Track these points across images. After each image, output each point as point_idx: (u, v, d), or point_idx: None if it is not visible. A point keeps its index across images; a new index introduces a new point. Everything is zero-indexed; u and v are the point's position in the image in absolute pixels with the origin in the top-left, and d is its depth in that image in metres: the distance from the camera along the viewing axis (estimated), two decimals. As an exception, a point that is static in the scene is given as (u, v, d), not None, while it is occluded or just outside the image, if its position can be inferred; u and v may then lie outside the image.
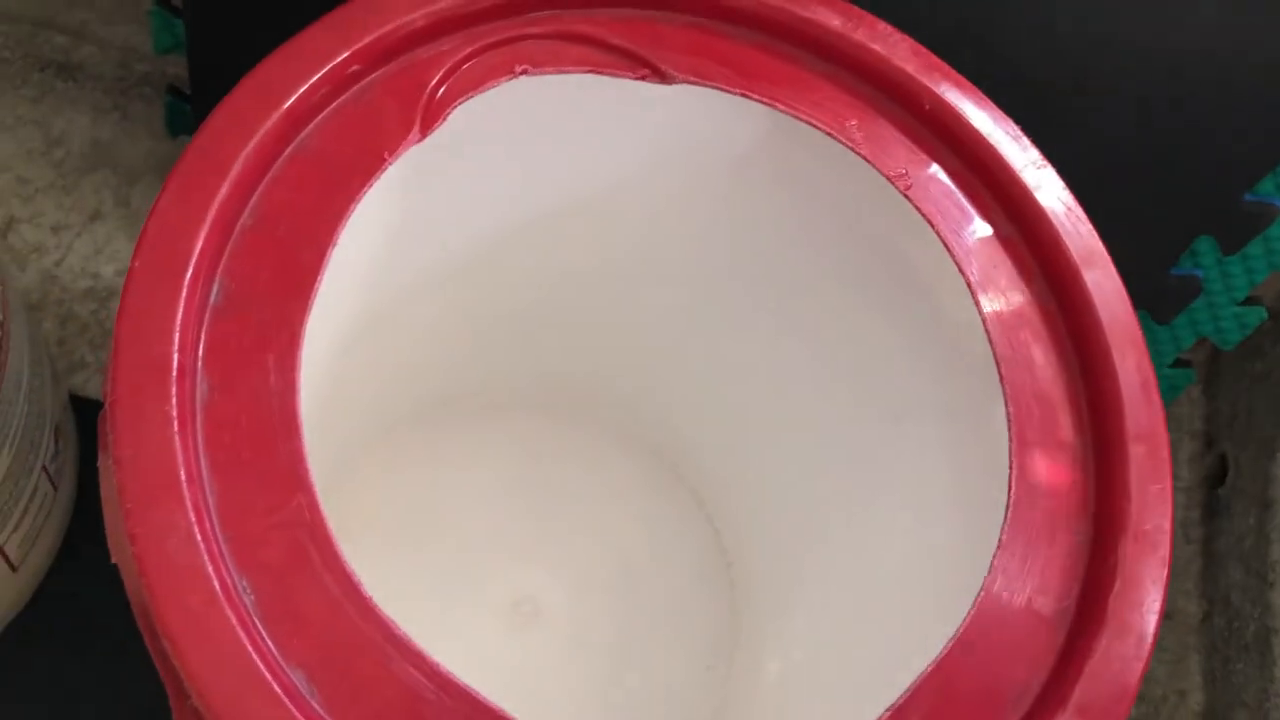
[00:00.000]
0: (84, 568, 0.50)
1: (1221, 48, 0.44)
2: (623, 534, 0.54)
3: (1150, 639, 0.29)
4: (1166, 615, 0.61)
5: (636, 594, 0.52)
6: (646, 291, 0.46)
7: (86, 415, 0.53)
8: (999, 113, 0.35)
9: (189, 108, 0.59)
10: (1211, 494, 0.63)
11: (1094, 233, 0.34)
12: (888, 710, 0.27)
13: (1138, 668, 0.28)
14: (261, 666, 0.24)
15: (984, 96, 0.35)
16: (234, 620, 0.24)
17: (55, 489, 0.48)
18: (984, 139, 0.35)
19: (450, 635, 0.50)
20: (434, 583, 0.50)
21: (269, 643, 0.24)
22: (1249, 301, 0.54)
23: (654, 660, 0.52)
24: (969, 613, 0.28)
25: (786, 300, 0.44)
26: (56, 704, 0.48)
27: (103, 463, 0.26)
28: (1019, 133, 0.35)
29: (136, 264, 0.27)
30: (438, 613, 0.49)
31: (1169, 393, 0.62)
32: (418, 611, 0.47)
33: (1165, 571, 0.29)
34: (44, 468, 0.46)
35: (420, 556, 0.50)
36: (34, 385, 0.44)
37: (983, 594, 0.29)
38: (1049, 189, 0.34)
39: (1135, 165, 0.49)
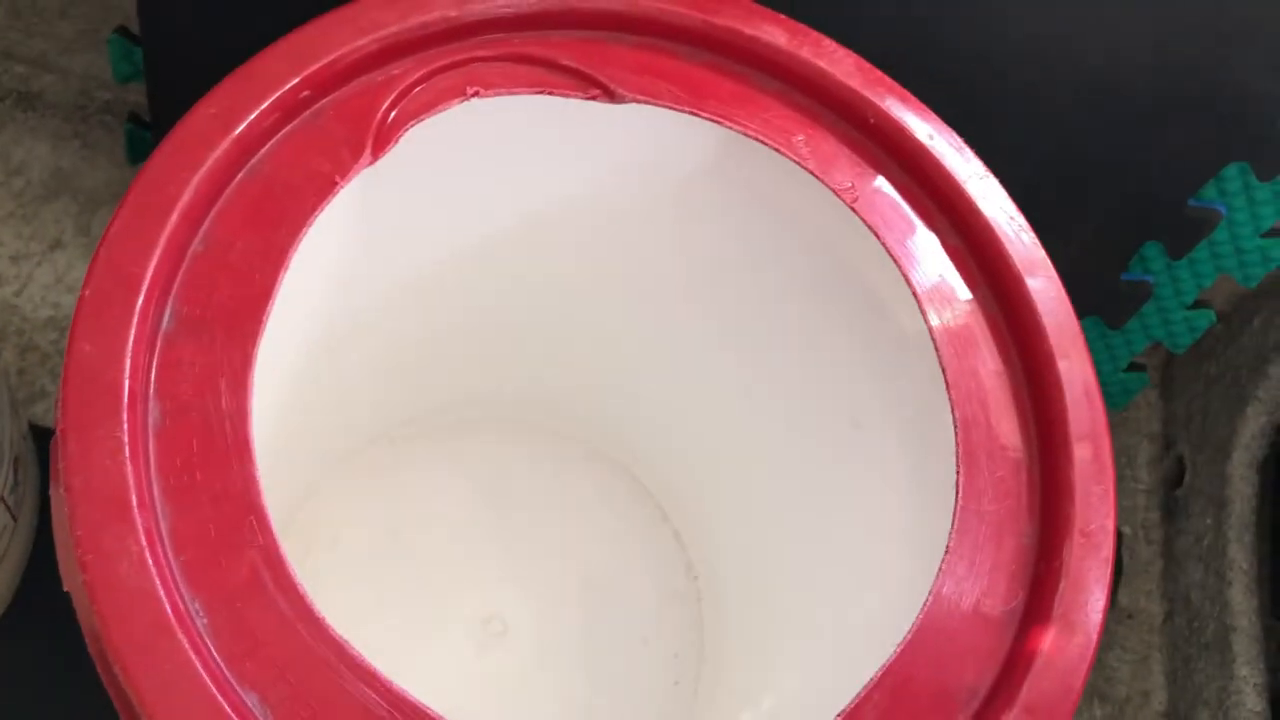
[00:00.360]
0: (45, 599, 0.49)
1: (1165, 59, 0.45)
2: (590, 550, 0.54)
3: (1095, 638, 0.29)
4: (1129, 616, 0.62)
5: (604, 610, 0.53)
6: (603, 308, 0.47)
7: (47, 446, 0.52)
8: (943, 125, 0.36)
9: (149, 135, 0.59)
10: (1170, 495, 0.64)
11: (1036, 241, 0.35)
12: (840, 713, 0.27)
13: (1083, 666, 0.29)
14: (214, 689, 0.24)
15: (928, 110, 0.36)
16: (186, 644, 0.24)
17: (15, 520, 0.48)
18: (928, 151, 0.35)
19: (419, 653, 0.50)
20: (402, 601, 0.50)
21: (222, 665, 0.25)
22: (1198, 305, 0.56)
23: (622, 676, 0.52)
24: (918, 616, 0.29)
25: (742, 313, 0.45)
26: (20, 735, 0.48)
27: (54, 491, 0.26)
28: (962, 144, 0.36)
29: (87, 291, 0.27)
30: (406, 632, 0.49)
31: (1124, 396, 0.63)
32: (386, 631, 0.47)
33: (1109, 570, 0.30)
34: (3, 499, 0.46)
35: (388, 575, 0.50)
36: (-7, 415, 0.43)
37: (931, 597, 0.29)
38: (992, 199, 0.35)
39: (1083, 172, 0.50)
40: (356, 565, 0.50)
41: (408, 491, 0.53)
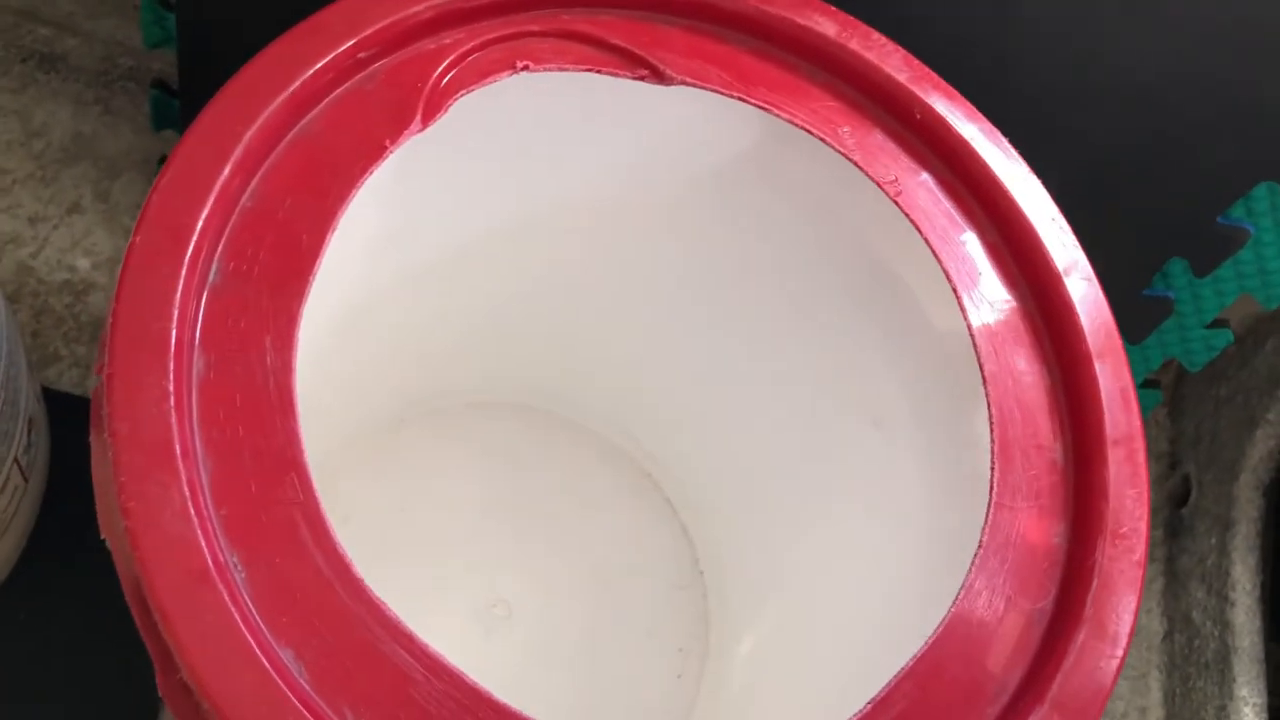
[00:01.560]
0: (51, 561, 0.49)
1: (1199, 75, 0.45)
2: (597, 539, 0.54)
3: (1126, 639, 0.29)
4: (1130, 633, 0.62)
5: (609, 599, 0.53)
6: (633, 292, 0.47)
7: (59, 409, 0.52)
8: (988, 124, 0.36)
9: (175, 102, 0.59)
10: (1175, 514, 0.64)
11: (1077, 243, 0.35)
12: (869, 703, 0.27)
13: (1113, 666, 0.29)
14: (251, 643, 0.24)
15: (973, 108, 0.36)
16: (225, 596, 0.24)
17: (26, 481, 0.47)
18: (973, 149, 0.35)
19: (422, 634, 0.50)
20: (409, 582, 0.49)
21: (258, 620, 0.24)
22: (1217, 324, 0.56)
23: (625, 666, 0.52)
24: (950, 609, 0.29)
25: (764, 305, 0.45)
26: (22, 695, 0.47)
27: (95, 439, 0.26)
28: (1007, 145, 0.36)
29: (137, 239, 0.27)
30: (411, 611, 0.48)
31: (1137, 413, 0.63)
32: (391, 606, 0.47)
33: (1141, 573, 0.30)
34: (16, 460, 0.45)
35: (396, 555, 0.50)
36: (10, 376, 0.43)
37: (964, 592, 0.29)
38: (1035, 200, 0.35)
39: (1112, 186, 0.50)
40: (365, 543, 0.50)
41: (419, 473, 0.53)
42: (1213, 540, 0.60)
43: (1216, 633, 0.58)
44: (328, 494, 0.50)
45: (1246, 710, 0.56)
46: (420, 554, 0.51)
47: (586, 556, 0.53)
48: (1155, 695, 0.61)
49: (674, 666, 0.52)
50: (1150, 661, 0.61)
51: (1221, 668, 0.57)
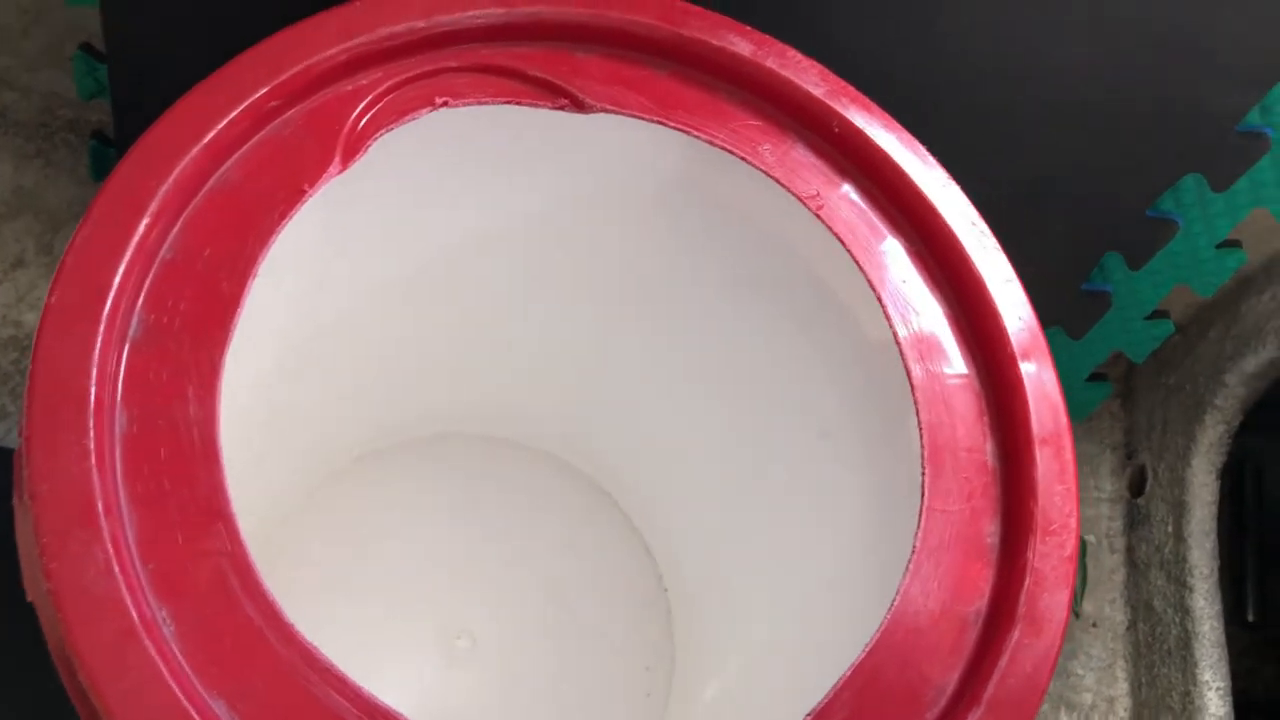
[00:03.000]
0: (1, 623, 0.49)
1: (1123, 72, 0.46)
2: (560, 564, 0.54)
3: (1059, 635, 0.30)
4: (1093, 624, 0.62)
5: (574, 623, 0.53)
6: (568, 319, 0.47)
7: (7, 466, 0.52)
8: (905, 134, 0.37)
9: (114, 152, 0.58)
10: (1132, 504, 0.65)
11: (998, 247, 0.35)
12: (810, 713, 0.28)
13: (1048, 663, 0.29)
14: (181, 696, 0.24)
15: (891, 119, 0.37)
16: (153, 650, 0.24)
17: (-23, 538, 0.47)
18: (892, 160, 0.36)
19: (386, 669, 0.50)
20: (370, 616, 0.49)
21: (189, 672, 0.24)
22: (1156, 315, 0.57)
23: (593, 689, 0.52)
24: (886, 616, 0.29)
25: (707, 326, 0.45)
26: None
27: (18, 502, 0.26)
28: (925, 153, 0.37)
29: (53, 299, 0.27)
30: (373, 646, 0.49)
31: (1086, 406, 0.63)
32: (353, 646, 0.47)
33: (1072, 569, 0.30)
34: (-36, 516, 0.45)
35: (356, 590, 0.50)
36: (-47, 432, 0.43)
37: (899, 596, 0.30)
38: (955, 206, 0.36)
39: (1044, 184, 0.50)
40: (324, 580, 0.50)
41: (376, 506, 0.53)
42: (1169, 527, 0.61)
43: (1178, 619, 0.59)
44: (285, 531, 0.50)
45: (1210, 694, 0.56)
46: (381, 590, 0.51)
47: (549, 581, 0.53)
48: (1122, 685, 0.61)
49: (642, 685, 0.52)
50: (1116, 651, 0.62)
51: (1184, 654, 0.58)
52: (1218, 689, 0.56)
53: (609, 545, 0.55)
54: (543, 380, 0.51)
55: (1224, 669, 0.57)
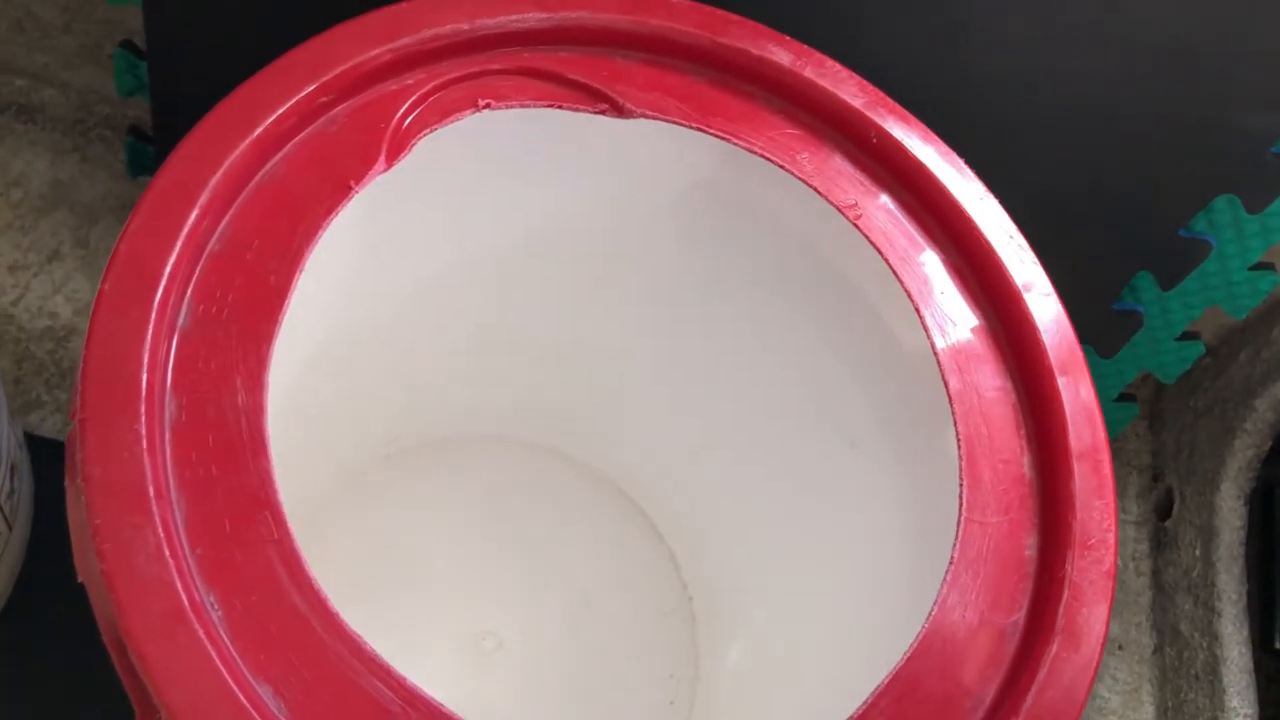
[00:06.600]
0: (39, 607, 0.49)
1: (1158, 91, 0.46)
2: (585, 570, 0.54)
3: (1098, 649, 0.29)
4: (1119, 647, 0.62)
5: (599, 628, 0.53)
6: (602, 324, 0.47)
7: (42, 455, 0.52)
8: (944, 146, 0.37)
9: (151, 149, 0.59)
10: (1159, 527, 0.65)
11: (1036, 260, 0.35)
12: (849, 717, 0.28)
13: (1086, 678, 0.29)
14: (229, 680, 0.24)
15: (929, 131, 0.37)
16: (202, 634, 0.24)
17: (10, 528, 0.47)
18: (930, 171, 0.36)
19: (411, 668, 0.50)
20: (396, 615, 0.49)
21: (236, 657, 0.25)
22: (1187, 336, 0.56)
23: (616, 695, 0.52)
24: (924, 625, 0.29)
25: (739, 332, 0.45)
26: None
27: (70, 484, 0.26)
28: (963, 165, 0.37)
29: (106, 286, 0.27)
30: (398, 645, 0.49)
31: (1114, 426, 0.63)
32: (378, 644, 0.47)
33: (1111, 584, 0.30)
34: (-1, 505, 0.45)
35: (383, 589, 0.50)
36: (-9, 421, 0.43)
37: (937, 608, 0.30)
38: (992, 218, 0.36)
39: (1077, 202, 0.50)
40: (352, 578, 0.50)
41: (405, 506, 0.53)
42: (1197, 551, 0.61)
43: (1205, 644, 0.59)
44: (314, 529, 0.51)
45: (1236, 720, 0.56)
46: (409, 587, 0.51)
47: (574, 585, 0.53)
48: (1148, 709, 0.61)
49: (666, 693, 0.52)
50: (1142, 675, 0.62)
51: (1211, 679, 0.58)
52: (1245, 715, 0.56)
53: (633, 551, 0.55)
54: (573, 383, 0.51)
55: (1251, 695, 0.56)
